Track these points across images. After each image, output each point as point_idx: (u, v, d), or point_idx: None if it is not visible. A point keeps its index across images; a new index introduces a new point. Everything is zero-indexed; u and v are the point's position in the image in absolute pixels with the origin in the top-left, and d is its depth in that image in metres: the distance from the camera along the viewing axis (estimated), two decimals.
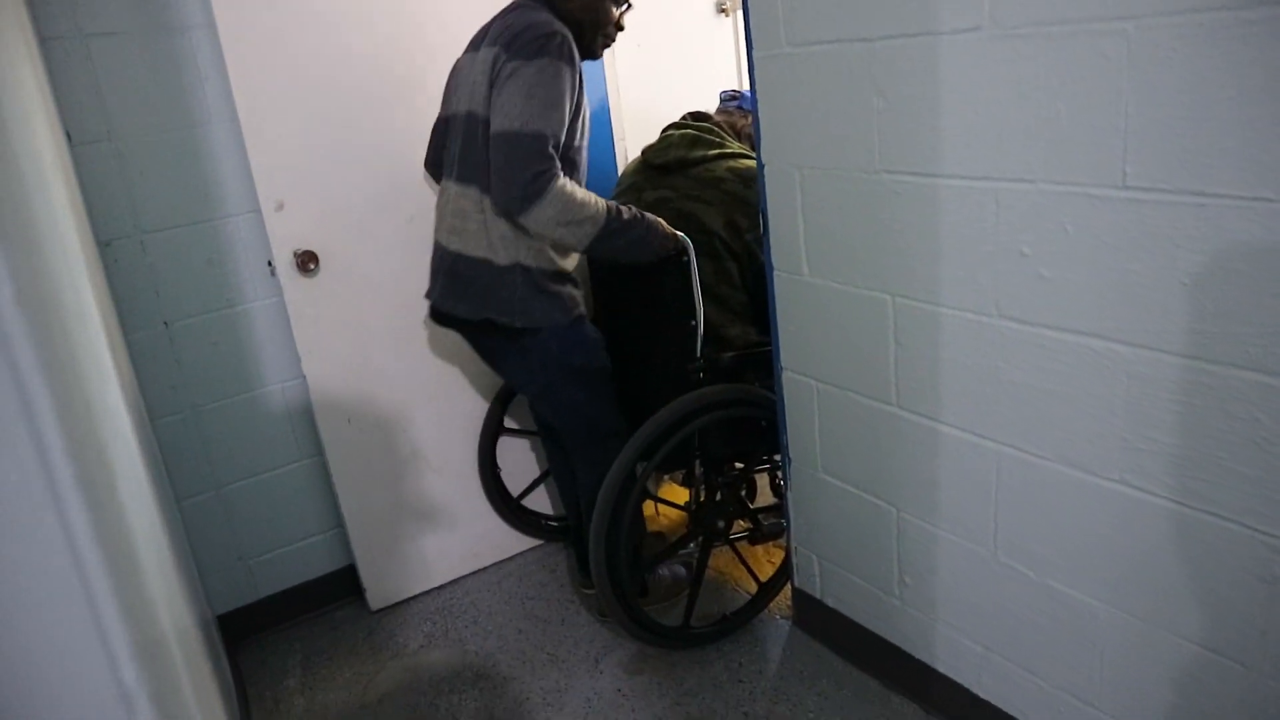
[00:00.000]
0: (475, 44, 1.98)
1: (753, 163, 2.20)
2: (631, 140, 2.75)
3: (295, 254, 2.16)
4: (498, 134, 1.79)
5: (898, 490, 1.78)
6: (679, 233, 2.00)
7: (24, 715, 0.62)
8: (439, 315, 2.12)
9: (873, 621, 1.97)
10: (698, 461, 2.20)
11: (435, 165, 2.19)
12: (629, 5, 2.02)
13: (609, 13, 1.99)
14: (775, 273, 1.89)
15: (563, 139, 1.82)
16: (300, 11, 2.05)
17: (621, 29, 2.05)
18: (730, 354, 2.14)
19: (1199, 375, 1.21)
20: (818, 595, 2.11)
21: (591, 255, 1.93)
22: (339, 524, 2.46)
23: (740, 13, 2.18)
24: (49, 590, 0.61)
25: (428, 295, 2.14)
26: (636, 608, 2.12)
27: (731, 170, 2.19)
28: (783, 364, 1.96)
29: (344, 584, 2.54)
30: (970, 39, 1.34)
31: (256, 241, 2.22)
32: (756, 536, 2.27)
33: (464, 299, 1.99)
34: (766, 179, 1.82)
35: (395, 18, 2.18)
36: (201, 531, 2.32)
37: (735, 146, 2.28)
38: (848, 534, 1.95)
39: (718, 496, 2.23)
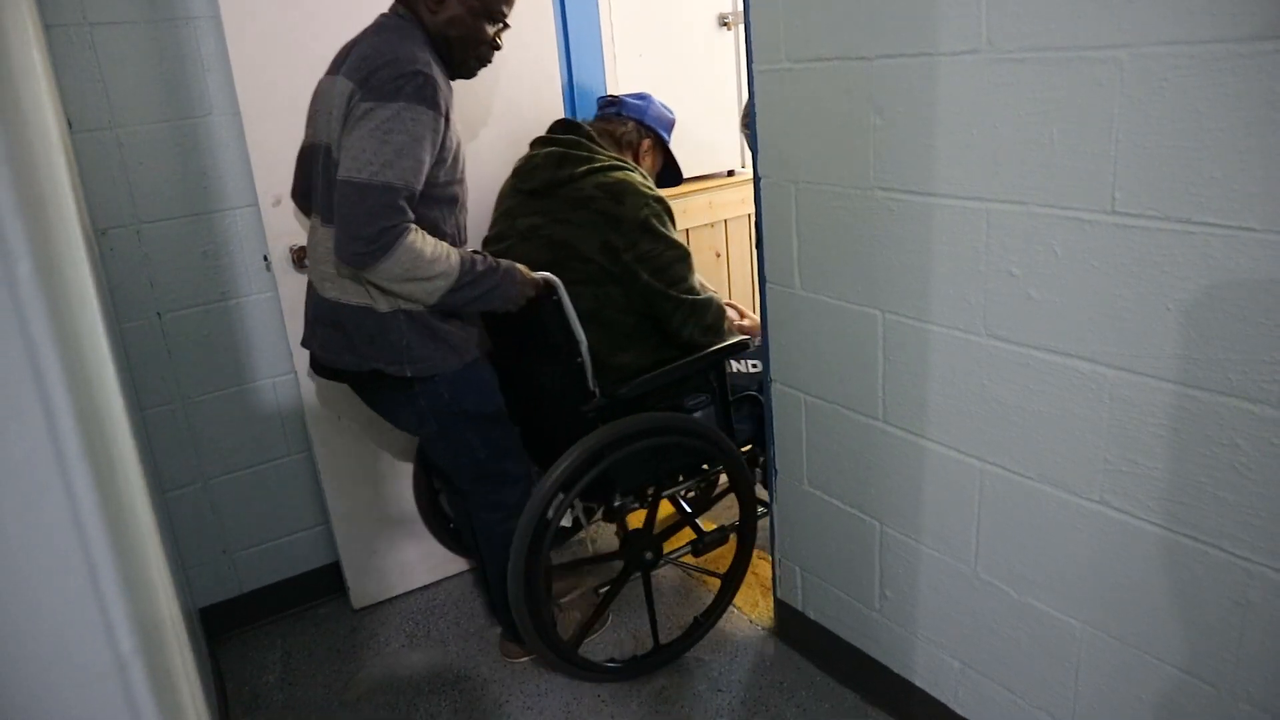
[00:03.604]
0: (337, 65, 1.81)
1: (623, 173, 2.08)
2: None
3: (291, 249, 2.17)
4: (344, 181, 1.63)
5: (881, 505, 1.79)
6: (542, 275, 1.89)
7: (18, 676, 0.63)
8: (320, 368, 1.96)
9: (853, 635, 1.99)
10: (617, 494, 2.10)
11: (304, 196, 2.00)
12: (505, 24, 1.87)
13: (482, 30, 1.82)
14: (768, 285, 1.91)
15: (419, 188, 1.68)
16: (305, 6, 2.07)
17: (498, 48, 1.89)
18: (628, 385, 2.02)
19: (1182, 400, 1.23)
20: (799, 607, 2.12)
21: (441, 309, 1.80)
22: (325, 521, 2.46)
23: (742, 26, 2.20)
24: (51, 555, 0.62)
25: (304, 344, 1.99)
26: (570, 649, 2.07)
27: (600, 186, 2.03)
28: (772, 376, 1.98)
29: (327, 581, 2.54)
30: (968, 61, 1.37)
31: (253, 235, 2.23)
32: (699, 548, 2.20)
33: (349, 350, 1.84)
34: (763, 192, 1.85)
35: None
36: (186, 523, 2.32)
37: (605, 158, 2.11)
38: (831, 547, 1.96)
39: (656, 521, 2.19)
